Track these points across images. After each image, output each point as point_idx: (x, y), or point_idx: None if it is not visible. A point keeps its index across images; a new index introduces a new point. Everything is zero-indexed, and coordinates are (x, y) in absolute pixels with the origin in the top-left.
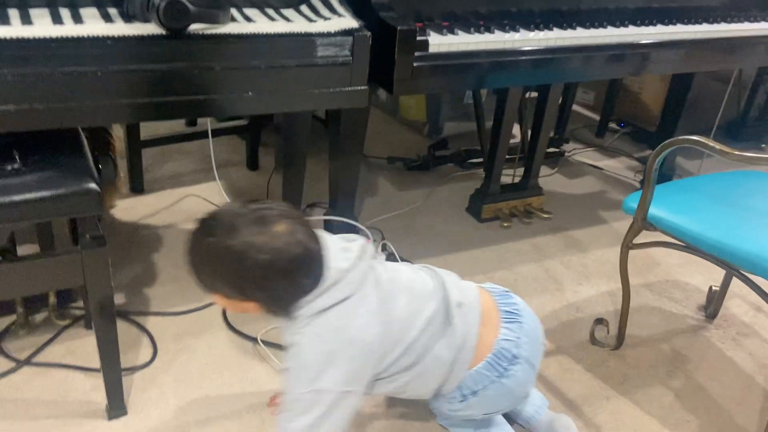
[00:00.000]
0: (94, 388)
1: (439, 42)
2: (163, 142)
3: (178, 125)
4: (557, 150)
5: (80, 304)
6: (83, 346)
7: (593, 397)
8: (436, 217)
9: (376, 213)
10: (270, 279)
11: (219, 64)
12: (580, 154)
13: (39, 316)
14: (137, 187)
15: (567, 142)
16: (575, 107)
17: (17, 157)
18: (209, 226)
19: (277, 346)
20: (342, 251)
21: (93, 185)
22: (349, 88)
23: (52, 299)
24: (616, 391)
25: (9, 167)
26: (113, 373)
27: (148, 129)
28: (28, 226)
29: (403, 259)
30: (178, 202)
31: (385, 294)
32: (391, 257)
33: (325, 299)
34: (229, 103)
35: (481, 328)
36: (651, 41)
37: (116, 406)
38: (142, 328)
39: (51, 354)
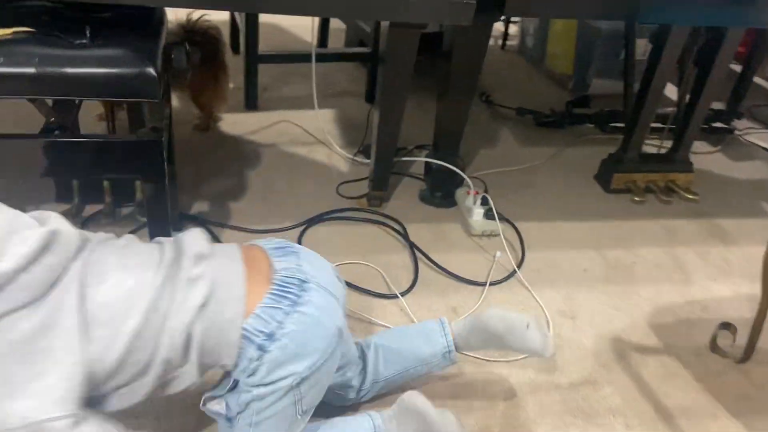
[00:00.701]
0: None
1: None
2: (281, 59)
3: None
4: (725, 126)
5: None
6: None
7: (696, 412)
8: (557, 180)
9: (488, 165)
10: None
11: None
12: (754, 134)
13: (126, 210)
14: (251, 104)
15: (740, 119)
16: (762, 82)
17: (87, 33)
18: None
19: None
20: (18, 243)
21: (150, 70)
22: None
23: (140, 194)
24: (728, 411)
25: (76, 41)
26: None
27: (267, 44)
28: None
29: (502, 218)
30: (285, 125)
31: (86, 290)
32: (489, 213)
33: None
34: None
35: (248, 273)
36: None
37: None
38: (215, 239)
39: None
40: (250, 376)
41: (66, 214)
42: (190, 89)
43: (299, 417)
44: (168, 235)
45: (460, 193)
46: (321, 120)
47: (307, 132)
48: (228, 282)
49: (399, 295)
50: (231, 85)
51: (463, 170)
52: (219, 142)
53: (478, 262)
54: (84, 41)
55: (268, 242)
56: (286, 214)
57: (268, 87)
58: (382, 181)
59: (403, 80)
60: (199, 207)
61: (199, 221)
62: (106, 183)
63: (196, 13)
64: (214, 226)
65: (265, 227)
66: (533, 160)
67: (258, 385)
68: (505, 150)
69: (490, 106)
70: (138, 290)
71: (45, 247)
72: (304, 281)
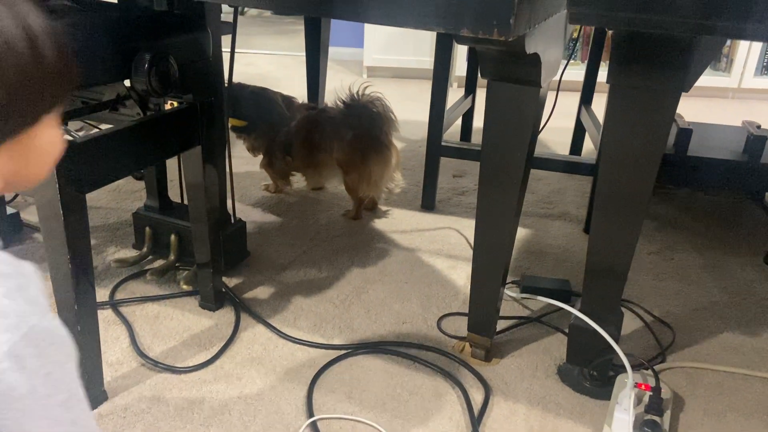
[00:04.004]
0: (114, 365)
1: None
2: (469, 155)
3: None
4: None
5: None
6: (163, 318)
7: None
8: None
9: (713, 355)
10: None
11: None
12: None
13: (180, 275)
14: (428, 203)
15: None
16: None
17: None
18: None
19: None
20: None
21: None
22: None
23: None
24: None
25: None
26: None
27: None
28: None
29: None
30: (449, 232)
31: None
32: (647, 429)
33: None
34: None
35: None
36: None
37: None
38: (236, 325)
39: (145, 309)
40: None
41: (128, 261)
42: (342, 168)
43: None
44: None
45: (620, 380)
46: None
47: (470, 245)
48: None
49: None
50: (397, 175)
51: (617, 340)
52: (356, 233)
53: None
54: None
55: None
56: (348, 330)
57: (468, 191)
58: (482, 325)
59: (513, 175)
60: (259, 292)
61: (235, 304)
62: (173, 238)
63: (359, 85)
64: (249, 315)
65: (302, 336)
66: None
67: None
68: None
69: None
70: None
71: None
72: None
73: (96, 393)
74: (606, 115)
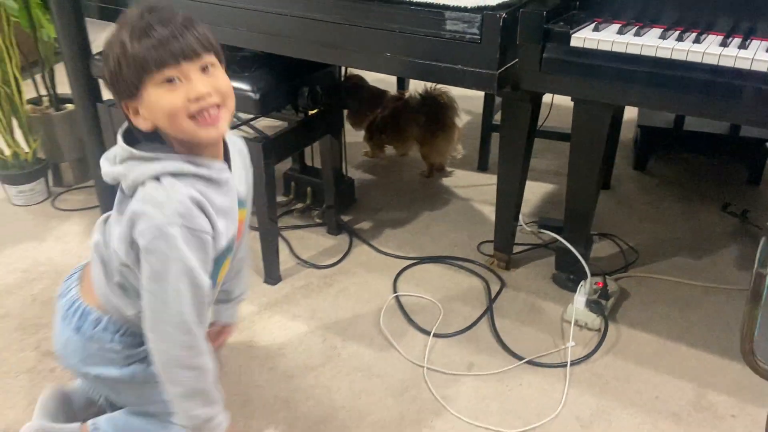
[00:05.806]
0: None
1: (587, 36)
2: None
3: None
4: None
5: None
6: (305, 238)
7: None
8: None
9: (666, 269)
10: None
11: (363, 21)
12: None
13: (314, 212)
14: (483, 166)
15: None
16: None
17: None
18: None
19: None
20: None
21: (253, 95)
22: (475, 69)
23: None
24: None
25: (237, 72)
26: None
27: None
28: None
29: (612, 317)
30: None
31: None
32: (594, 306)
33: None
34: (371, 60)
35: None
36: None
37: (270, 275)
38: (350, 245)
39: (295, 233)
40: None
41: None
42: (418, 142)
43: None
44: None
45: (587, 281)
46: (533, 192)
47: None
48: None
49: (430, 333)
50: (459, 146)
51: (585, 257)
52: (428, 187)
53: (545, 343)
54: (243, 73)
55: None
56: (419, 249)
57: None
58: (502, 246)
59: (518, 148)
60: (363, 224)
61: (348, 231)
62: (309, 189)
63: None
64: (357, 238)
65: (393, 252)
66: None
67: None
68: (710, 265)
69: (743, 221)
70: None
71: None
72: None
73: (275, 276)
74: (573, 118)
